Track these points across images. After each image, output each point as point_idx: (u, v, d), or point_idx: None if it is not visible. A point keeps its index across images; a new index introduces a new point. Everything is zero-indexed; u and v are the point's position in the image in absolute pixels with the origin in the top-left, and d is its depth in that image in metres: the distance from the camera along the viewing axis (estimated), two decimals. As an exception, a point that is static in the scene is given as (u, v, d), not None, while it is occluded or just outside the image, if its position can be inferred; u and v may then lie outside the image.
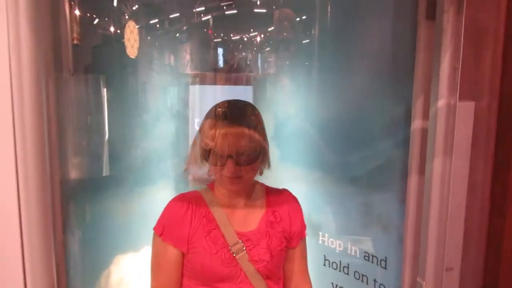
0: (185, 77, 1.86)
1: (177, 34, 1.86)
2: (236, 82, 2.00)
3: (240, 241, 1.44)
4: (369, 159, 1.69)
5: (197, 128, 1.87)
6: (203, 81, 1.90)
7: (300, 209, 1.57)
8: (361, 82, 1.68)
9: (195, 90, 1.91)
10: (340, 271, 1.87)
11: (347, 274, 1.85)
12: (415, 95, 1.48)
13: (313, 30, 1.79)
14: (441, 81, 1.36)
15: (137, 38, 1.65)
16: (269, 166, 1.49)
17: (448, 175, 1.38)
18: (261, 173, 1.48)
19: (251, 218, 1.52)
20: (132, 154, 1.73)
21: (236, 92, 2.05)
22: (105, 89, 1.65)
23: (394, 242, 1.63)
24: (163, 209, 1.52)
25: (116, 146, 1.69)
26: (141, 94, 1.74)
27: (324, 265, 1.92)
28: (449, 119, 1.37)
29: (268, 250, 1.47)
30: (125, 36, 1.64)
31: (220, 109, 1.38)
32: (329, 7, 1.73)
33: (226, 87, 2.02)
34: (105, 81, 1.64)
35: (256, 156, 1.37)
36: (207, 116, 1.41)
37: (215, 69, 1.89)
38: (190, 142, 1.46)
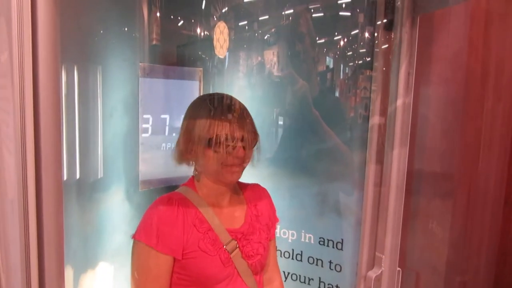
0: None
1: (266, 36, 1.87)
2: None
3: (232, 239, 1.42)
4: (325, 152, 1.85)
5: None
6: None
7: (272, 201, 1.64)
8: (321, 81, 1.82)
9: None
10: (292, 259, 1.99)
11: (300, 260, 1.98)
12: (373, 95, 1.69)
13: (277, 29, 1.85)
14: (399, 83, 1.60)
15: (227, 38, 1.68)
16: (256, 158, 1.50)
17: (403, 164, 1.64)
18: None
19: (237, 214, 1.52)
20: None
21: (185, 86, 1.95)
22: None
23: (351, 225, 1.83)
24: (145, 216, 1.38)
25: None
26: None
27: (275, 256, 2.01)
28: (404, 116, 1.62)
29: (261, 244, 1.49)
30: (215, 36, 1.66)
31: (217, 99, 1.39)
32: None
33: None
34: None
35: (255, 142, 1.42)
36: (200, 107, 1.38)
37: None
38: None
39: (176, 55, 1.84)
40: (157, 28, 1.67)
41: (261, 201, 1.59)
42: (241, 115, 1.38)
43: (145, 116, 1.81)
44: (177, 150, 1.44)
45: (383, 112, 1.68)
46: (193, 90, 1.96)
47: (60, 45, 0.83)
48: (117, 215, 1.70)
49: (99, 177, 1.53)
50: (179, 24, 1.78)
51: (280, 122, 1.96)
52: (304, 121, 1.89)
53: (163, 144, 1.90)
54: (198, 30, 1.77)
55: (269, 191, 1.65)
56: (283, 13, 1.82)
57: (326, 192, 1.89)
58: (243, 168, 1.42)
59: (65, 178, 1.29)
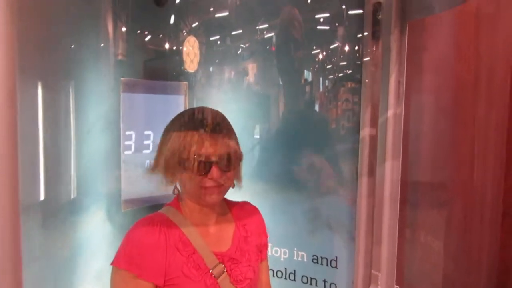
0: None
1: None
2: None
3: (219, 262, 1.33)
4: (315, 166, 1.78)
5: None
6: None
7: (263, 220, 1.56)
8: (307, 93, 1.77)
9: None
10: (285, 278, 1.90)
11: (294, 280, 1.89)
12: (363, 106, 1.63)
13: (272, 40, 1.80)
14: (390, 93, 1.55)
15: (198, 52, 1.62)
16: (240, 179, 1.42)
17: (396, 175, 1.57)
18: (233, 186, 1.41)
19: (225, 235, 1.43)
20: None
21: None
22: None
23: (345, 241, 1.76)
24: (124, 240, 1.29)
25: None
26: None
27: (268, 275, 1.92)
28: (396, 126, 1.56)
29: (250, 267, 1.41)
30: (184, 51, 1.61)
31: (195, 114, 1.30)
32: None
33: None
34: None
35: (237, 161, 1.32)
36: (178, 123, 1.31)
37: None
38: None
39: (159, 69, 1.78)
40: (137, 42, 1.62)
41: (250, 221, 1.50)
42: (219, 131, 1.28)
43: (127, 132, 1.73)
44: (154, 165, 1.36)
45: (374, 123, 1.62)
46: (178, 104, 1.89)
47: (18, 60, 0.75)
48: (98, 238, 1.60)
49: (72, 197, 1.45)
50: (155, 37, 1.72)
51: (268, 136, 1.90)
52: (292, 135, 1.83)
53: (147, 162, 1.82)
54: (168, 45, 1.71)
55: (258, 208, 1.57)
56: (264, 26, 1.77)
57: (318, 207, 1.81)
58: (225, 189, 1.33)
59: (29, 199, 1.20)
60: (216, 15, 1.80)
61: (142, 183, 1.79)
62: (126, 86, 1.67)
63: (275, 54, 1.79)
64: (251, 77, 1.86)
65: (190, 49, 1.58)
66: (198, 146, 1.22)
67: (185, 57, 1.61)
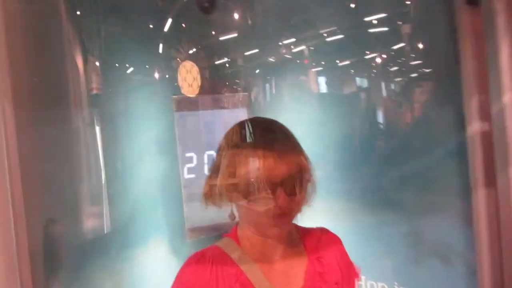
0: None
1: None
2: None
3: (287, 306, 1.06)
4: (412, 178, 1.41)
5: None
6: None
7: (345, 250, 1.24)
8: (389, 88, 1.43)
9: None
10: (386, 320, 1.53)
11: (397, 322, 1.51)
12: (466, 93, 1.24)
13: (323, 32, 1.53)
14: (503, 73, 1.13)
15: (198, 76, 1.53)
16: (308, 201, 1.14)
17: (528, 184, 1.13)
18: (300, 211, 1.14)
19: (295, 272, 1.16)
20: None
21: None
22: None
23: (462, 276, 1.34)
24: (174, 280, 1.11)
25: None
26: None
27: (364, 315, 1.57)
28: (519, 115, 1.13)
29: None
30: (180, 76, 1.53)
31: (251, 127, 1.05)
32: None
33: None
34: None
35: (306, 182, 1.06)
36: (230, 139, 1.07)
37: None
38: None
39: (213, 82, 1.63)
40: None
41: (328, 252, 1.21)
42: (282, 146, 1.05)
43: (187, 154, 1.59)
44: (205, 189, 1.15)
45: (485, 115, 1.21)
46: (241, 118, 1.70)
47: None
48: (161, 272, 1.46)
49: (128, 229, 1.32)
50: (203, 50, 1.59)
51: (349, 146, 1.58)
52: (377, 141, 1.49)
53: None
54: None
55: (343, 232, 1.26)
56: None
57: (420, 230, 1.42)
58: (293, 217, 1.07)
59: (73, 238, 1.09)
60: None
61: (209, 209, 1.62)
62: (178, 104, 1.53)
63: (346, 54, 1.50)
64: (327, 84, 1.59)
65: (187, 74, 1.46)
66: (259, 167, 1.00)
67: (181, 82, 1.46)
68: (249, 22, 1.60)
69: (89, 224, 1.16)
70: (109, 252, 1.21)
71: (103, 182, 1.15)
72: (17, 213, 0.83)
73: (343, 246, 1.25)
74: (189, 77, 1.53)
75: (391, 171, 1.48)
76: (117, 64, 1.52)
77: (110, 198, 1.24)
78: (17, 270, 0.80)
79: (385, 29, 1.42)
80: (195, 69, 1.52)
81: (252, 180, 0.98)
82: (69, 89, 1.27)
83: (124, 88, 1.44)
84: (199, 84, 1.54)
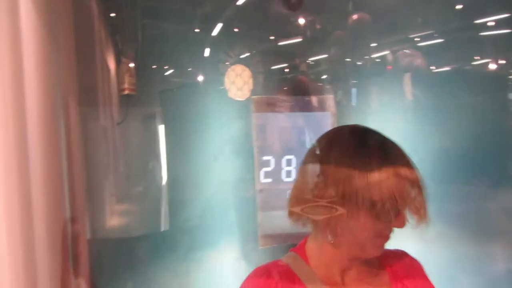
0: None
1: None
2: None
3: None
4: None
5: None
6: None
7: (428, 279, 1.06)
8: (500, 97, 1.18)
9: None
10: None
11: None
12: None
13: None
14: None
15: (249, 80, 1.53)
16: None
17: None
18: None
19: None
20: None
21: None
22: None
23: None
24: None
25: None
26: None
27: None
28: None
29: None
30: (227, 80, 1.54)
31: (368, 136, 0.94)
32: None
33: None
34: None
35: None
36: (341, 147, 0.95)
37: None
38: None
39: (294, 84, 1.53)
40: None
41: (411, 279, 1.04)
42: (406, 162, 0.92)
43: (264, 158, 1.52)
44: (293, 203, 1.05)
45: None
46: (324, 123, 1.58)
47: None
48: (230, 278, 1.42)
49: (197, 230, 1.31)
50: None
51: (449, 161, 1.35)
52: (486, 158, 1.24)
53: (289, 192, 1.56)
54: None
55: (436, 261, 1.09)
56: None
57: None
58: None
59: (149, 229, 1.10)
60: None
61: (283, 216, 1.54)
62: (258, 105, 1.47)
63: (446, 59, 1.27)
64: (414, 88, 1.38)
65: (236, 78, 1.38)
66: (395, 185, 0.87)
67: (228, 86, 1.38)
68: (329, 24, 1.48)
69: (146, 222, 1.17)
70: (177, 252, 1.20)
71: (163, 181, 1.14)
72: (77, 205, 0.85)
73: (426, 275, 1.06)
74: (238, 81, 1.48)
75: (500, 194, 1.22)
76: (166, 66, 1.54)
77: (171, 197, 1.23)
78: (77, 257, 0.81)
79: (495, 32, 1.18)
80: (246, 72, 1.47)
81: (389, 197, 0.87)
82: (101, 88, 1.32)
83: (181, 89, 1.44)
84: (251, 87, 1.48)
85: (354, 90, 1.52)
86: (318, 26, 1.61)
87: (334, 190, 0.92)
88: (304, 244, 1.05)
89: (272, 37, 1.72)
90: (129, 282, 1.09)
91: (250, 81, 1.51)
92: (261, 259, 1.47)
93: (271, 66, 1.70)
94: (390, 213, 0.86)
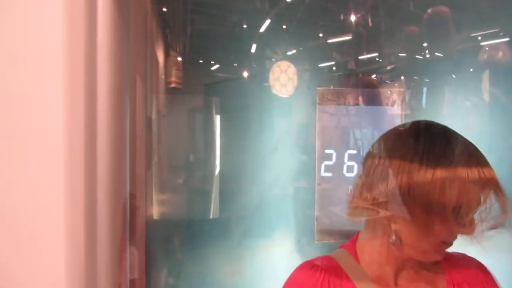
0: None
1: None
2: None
3: None
4: None
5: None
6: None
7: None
8: None
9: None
10: None
11: None
12: None
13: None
14: None
15: (294, 77, 1.53)
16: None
17: None
18: None
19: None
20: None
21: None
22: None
23: None
24: (284, 284, 1.03)
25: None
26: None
27: None
28: None
29: None
30: (272, 76, 1.56)
31: (447, 138, 0.88)
32: None
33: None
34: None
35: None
36: (416, 145, 0.89)
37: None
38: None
39: (359, 76, 1.47)
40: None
41: (475, 284, 0.96)
42: (485, 163, 0.86)
43: (326, 151, 1.48)
44: (355, 199, 1.01)
45: None
46: (391, 117, 1.49)
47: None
48: (282, 269, 1.42)
49: (251, 219, 1.31)
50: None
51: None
52: None
53: (350, 187, 1.51)
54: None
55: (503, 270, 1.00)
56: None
57: None
58: None
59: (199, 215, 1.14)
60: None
61: (342, 212, 1.49)
62: (323, 97, 1.43)
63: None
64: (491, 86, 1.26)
65: (281, 74, 1.35)
66: (475, 190, 0.85)
67: (272, 82, 1.33)
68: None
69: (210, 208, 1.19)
70: (231, 239, 1.22)
71: (217, 170, 1.16)
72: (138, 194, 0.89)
73: (494, 283, 0.97)
74: (283, 77, 1.46)
75: None
76: (212, 61, 1.55)
77: (222, 185, 1.25)
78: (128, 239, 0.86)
79: None
80: (291, 69, 1.44)
81: (468, 203, 0.82)
82: (149, 80, 1.35)
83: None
84: (295, 84, 1.45)
85: (424, 86, 1.42)
86: (378, 22, 1.54)
87: (400, 189, 0.86)
88: (355, 240, 1.00)
89: (321, 34, 1.70)
90: (180, 263, 1.13)
91: (295, 77, 1.49)
92: (316, 254, 1.45)
93: (325, 62, 1.66)
94: (462, 219, 0.80)
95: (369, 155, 0.96)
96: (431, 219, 0.82)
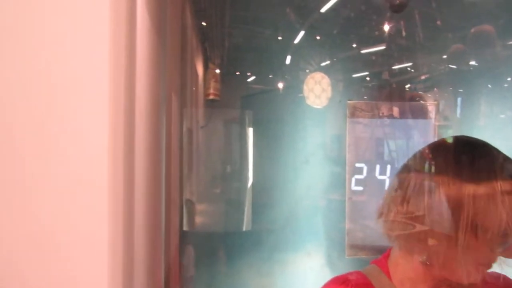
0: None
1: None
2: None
3: None
4: None
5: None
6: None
7: None
8: None
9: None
10: None
11: None
12: None
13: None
14: None
15: (328, 88, 1.54)
16: None
17: None
18: None
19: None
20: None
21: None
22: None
23: None
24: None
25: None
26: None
27: None
28: None
29: None
30: (306, 87, 1.56)
31: (489, 156, 0.86)
32: None
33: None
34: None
35: None
36: (459, 167, 0.88)
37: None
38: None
39: (391, 89, 1.45)
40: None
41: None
42: None
43: (357, 165, 1.47)
44: (393, 215, 0.99)
45: None
46: (425, 131, 1.46)
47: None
48: (311, 282, 1.40)
49: (285, 234, 1.31)
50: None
51: None
52: None
53: (382, 201, 1.48)
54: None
55: None
56: None
57: None
58: None
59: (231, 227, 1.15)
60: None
61: (374, 227, 1.47)
62: (354, 110, 1.43)
63: None
64: None
65: (315, 85, 1.34)
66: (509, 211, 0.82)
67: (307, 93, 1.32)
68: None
69: (233, 221, 1.20)
70: (262, 252, 1.22)
71: (249, 183, 1.17)
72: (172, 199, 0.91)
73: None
74: (317, 88, 1.45)
75: None
76: (248, 73, 1.56)
77: (256, 199, 1.25)
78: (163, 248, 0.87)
79: None
80: (325, 80, 1.43)
81: (488, 226, 0.79)
82: (189, 92, 1.37)
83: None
84: (329, 95, 1.44)
85: (459, 96, 1.38)
86: (413, 32, 1.53)
87: (440, 205, 0.84)
88: (387, 257, 0.97)
89: (354, 45, 1.70)
90: (211, 274, 1.14)
91: (329, 88, 1.49)
92: (346, 269, 1.43)
93: (359, 73, 1.65)
94: (504, 242, 0.76)
95: (406, 168, 0.94)
96: (470, 241, 0.79)
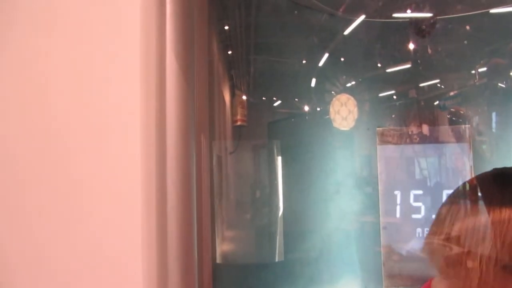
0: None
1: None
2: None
3: None
4: None
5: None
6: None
7: None
8: None
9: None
10: None
11: None
12: None
13: None
14: None
15: (354, 109, 1.56)
16: None
17: None
18: None
19: None
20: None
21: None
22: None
23: None
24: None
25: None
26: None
27: None
28: None
29: None
30: (332, 109, 1.59)
31: None
32: None
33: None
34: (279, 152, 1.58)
35: None
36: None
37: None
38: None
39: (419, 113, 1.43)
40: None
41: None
42: None
43: (390, 193, 1.43)
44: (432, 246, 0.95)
45: None
46: (460, 155, 1.42)
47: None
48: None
49: (318, 265, 1.29)
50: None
51: None
52: None
53: (419, 230, 1.43)
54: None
55: None
56: None
57: None
58: None
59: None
60: None
61: (412, 257, 1.41)
62: (383, 137, 1.41)
63: None
64: None
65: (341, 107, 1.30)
66: None
67: (333, 115, 1.30)
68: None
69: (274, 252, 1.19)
70: (296, 284, 1.20)
71: (280, 211, 1.16)
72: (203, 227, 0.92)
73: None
74: (343, 110, 1.45)
75: None
76: (274, 98, 1.57)
77: (287, 227, 1.24)
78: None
79: None
80: (351, 101, 1.42)
81: None
82: (217, 120, 1.39)
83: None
84: (356, 117, 1.43)
85: (494, 119, 1.34)
86: (438, 52, 1.51)
87: (486, 243, 0.80)
88: (429, 287, 0.94)
89: (379, 64, 1.69)
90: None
91: (355, 110, 1.49)
92: (386, 302, 1.37)
93: (385, 92, 1.63)
94: None
95: (452, 199, 0.90)
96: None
